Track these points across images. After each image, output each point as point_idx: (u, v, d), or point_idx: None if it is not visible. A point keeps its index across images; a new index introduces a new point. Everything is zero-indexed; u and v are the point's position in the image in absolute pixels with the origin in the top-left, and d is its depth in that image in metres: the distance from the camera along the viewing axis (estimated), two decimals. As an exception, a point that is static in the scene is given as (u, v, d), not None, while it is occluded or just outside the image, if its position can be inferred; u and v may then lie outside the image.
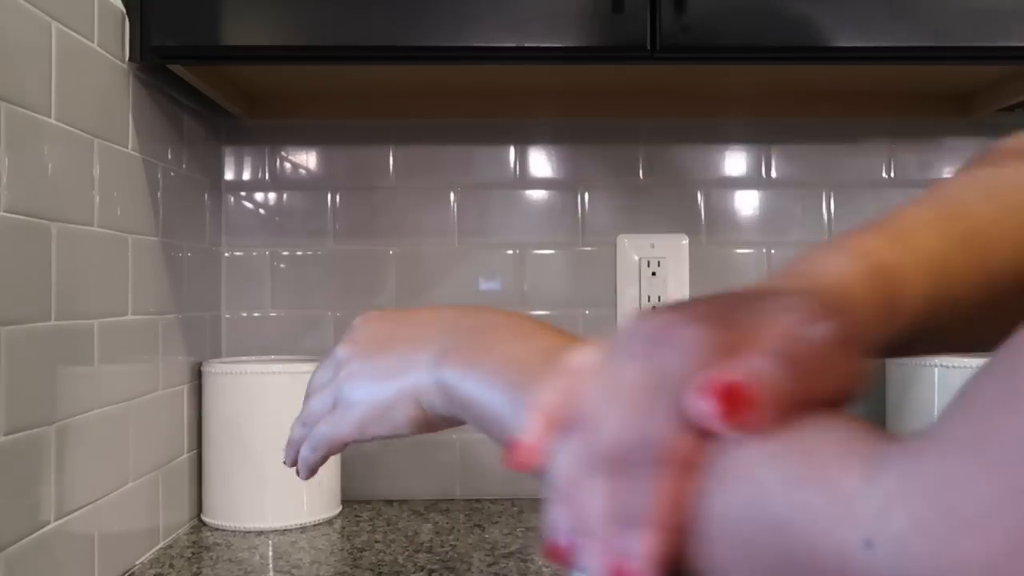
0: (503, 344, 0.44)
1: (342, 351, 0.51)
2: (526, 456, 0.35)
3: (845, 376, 0.31)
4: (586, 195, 1.27)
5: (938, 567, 0.24)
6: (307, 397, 0.54)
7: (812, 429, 0.29)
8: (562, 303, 1.26)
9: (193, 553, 1.00)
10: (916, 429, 0.27)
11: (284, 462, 0.55)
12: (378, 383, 0.48)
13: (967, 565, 0.23)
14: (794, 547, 0.27)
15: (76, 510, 0.80)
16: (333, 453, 0.52)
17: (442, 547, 1.01)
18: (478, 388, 0.43)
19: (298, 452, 0.53)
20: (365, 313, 0.53)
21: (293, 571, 0.94)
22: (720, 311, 0.32)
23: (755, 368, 0.29)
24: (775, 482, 0.28)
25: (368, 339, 0.51)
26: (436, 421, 0.48)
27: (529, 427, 0.35)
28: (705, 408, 0.29)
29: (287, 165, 1.27)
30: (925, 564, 0.24)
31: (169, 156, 1.04)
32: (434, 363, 0.46)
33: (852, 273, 0.36)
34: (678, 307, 0.33)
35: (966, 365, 1.10)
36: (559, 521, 0.33)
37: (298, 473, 0.54)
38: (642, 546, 0.30)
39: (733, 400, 0.28)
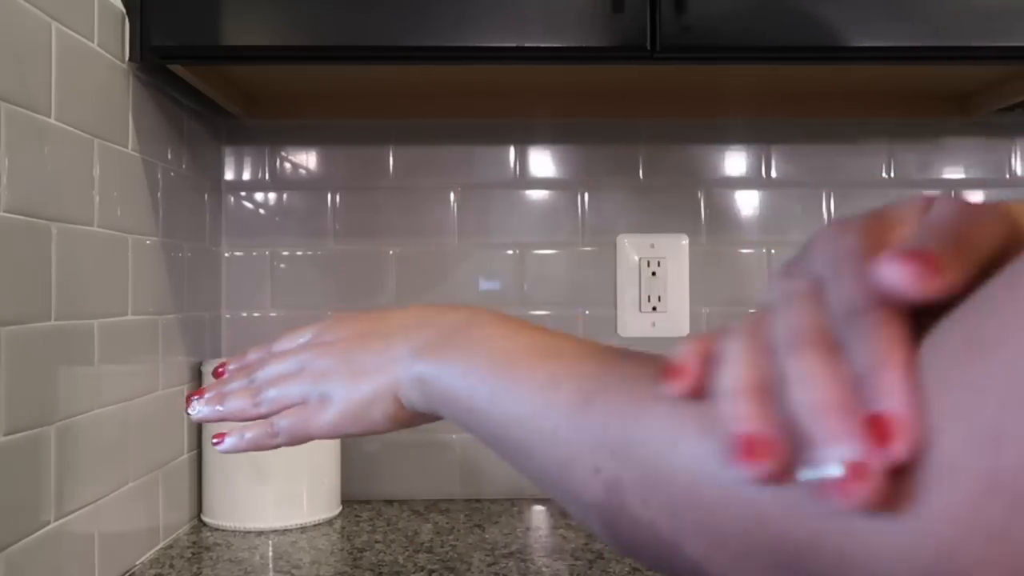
0: (487, 340, 0.43)
1: (314, 343, 0.50)
2: (686, 374, 0.32)
3: (999, 237, 0.28)
4: (586, 195, 1.27)
5: (908, 528, 0.23)
6: (266, 360, 0.52)
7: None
8: (562, 303, 1.26)
9: (193, 553, 1.00)
10: None
11: (196, 413, 0.52)
12: (355, 381, 0.48)
13: (931, 521, 0.23)
14: (774, 523, 0.27)
15: (76, 510, 0.80)
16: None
17: (442, 547, 1.01)
18: (462, 382, 0.42)
19: (230, 418, 0.51)
20: (337, 314, 0.53)
21: (293, 571, 0.94)
22: (866, 218, 0.31)
23: (927, 237, 0.28)
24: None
25: (344, 336, 0.50)
26: (412, 417, 0.48)
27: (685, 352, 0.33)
28: (898, 274, 0.26)
29: (287, 165, 1.27)
30: (896, 527, 0.24)
31: (169, 156, 1.04)
32: (413, 358, 0.45)
33: None
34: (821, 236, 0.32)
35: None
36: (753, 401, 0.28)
37: (215, 441, 0.52)
38: (895, 399, 0.24)
39: (924, 262, 0.26)
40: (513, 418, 0.39)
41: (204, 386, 0.54)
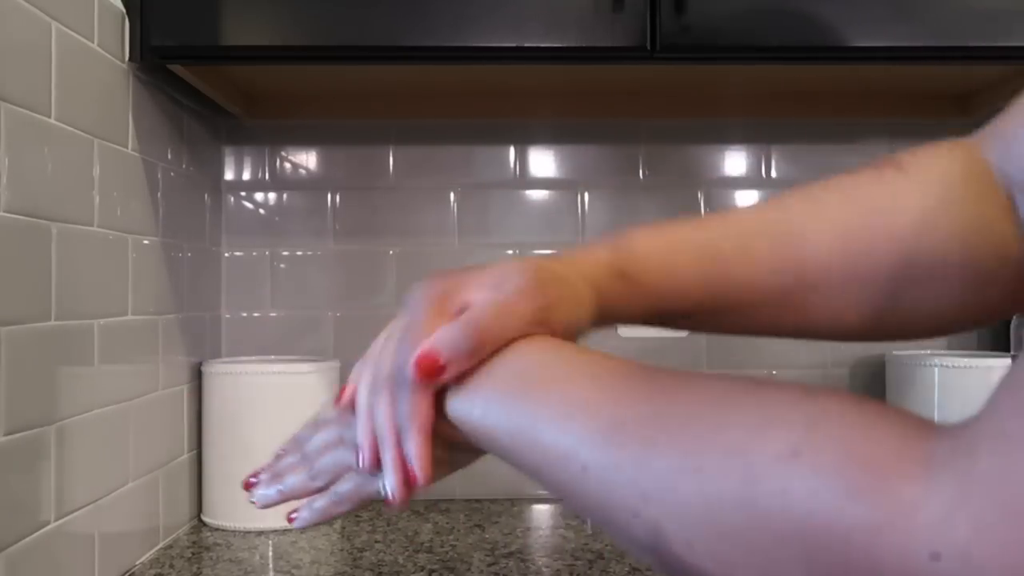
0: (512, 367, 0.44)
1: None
2: (345, 396, 0.49)
3: (531, 324, 0.43)
4: (586, 195, 1.27)
5: (1003, 569, 0.23)
6: (308, 436, 0.53)
7: (864, 428, 0.28)
8: (562, 303, 1.26)
9: (193, 553, 1.00)
10: (965, 417, 0.27)
11: (262, 499, 0.53)
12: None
13: None
14: (853, 562, 0.26)
15: (76, 510, 0.80)
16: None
17: (442, 547, 1.01)
18: (484, 420, 0.42)
19: (297, 498, 0.52)
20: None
21: (293, 571, 0.94)
22: (448, 276, 0.48)
23: (444, 337, 0.42)
24: (834, 493, 0.27)
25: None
26: (466, 456, 0.47)
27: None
28: (415, 369, 0.42)
29: (287, 165, 1.27)
30: (990, 569, 0.24)
31: (169, 156, 1.04)
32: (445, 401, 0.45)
33: (599, 257, 0.49)
34: (434, 274, 0.48)
35: (966, 365, 1.10)
36: (361, 433, 0.46)
37: (289, 520, 0.53)
38: (415, 449, 0.44)
39: (428, 367, 0.42)
40: (540, 456, 0.38)
41: (259, 468, 0.55)
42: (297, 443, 0.54)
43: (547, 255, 0.49)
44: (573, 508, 0.39)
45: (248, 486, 0.54)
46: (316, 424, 0.54)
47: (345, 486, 0.51)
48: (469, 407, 0.42)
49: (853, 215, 0.48)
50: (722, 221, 0.52)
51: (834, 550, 0.27)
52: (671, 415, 0.34)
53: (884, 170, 0.49)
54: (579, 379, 0.39)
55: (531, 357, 0.42)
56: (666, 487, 0.31)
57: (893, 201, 0.48)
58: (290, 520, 0.53)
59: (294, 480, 0.53)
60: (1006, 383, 0.26)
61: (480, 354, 0.42)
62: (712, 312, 0.50)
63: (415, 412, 0.43)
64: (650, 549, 0.33)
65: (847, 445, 0.28)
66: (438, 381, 0.42)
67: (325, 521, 0.53)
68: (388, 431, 0.45)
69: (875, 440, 0.27)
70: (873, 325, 0.49)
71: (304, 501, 0.53)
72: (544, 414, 0.38)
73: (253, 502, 0.53)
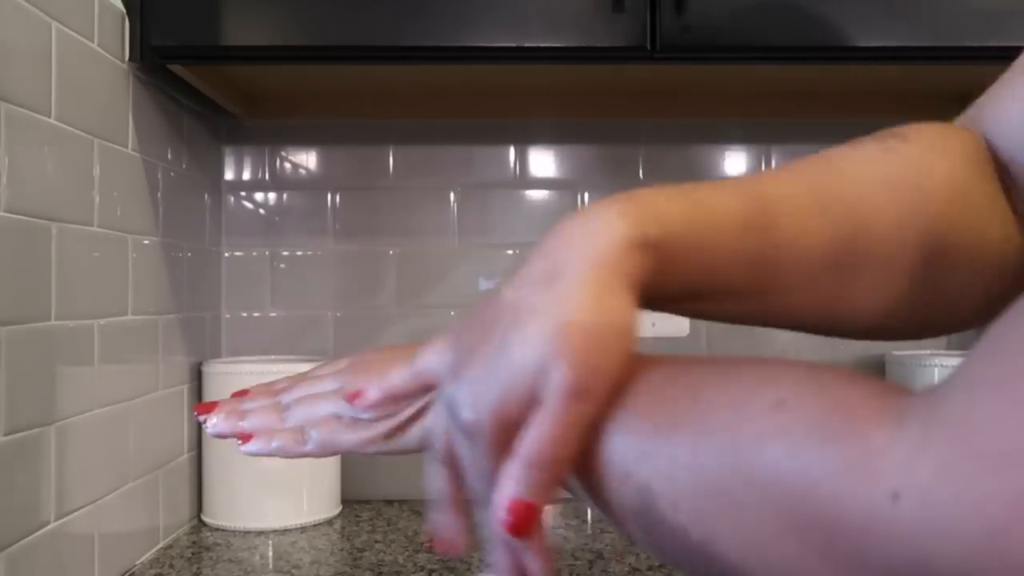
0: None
1: (350, 368, 0.49)
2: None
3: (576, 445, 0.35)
4: (586, 195, 1.27)
5: (962, 510, 0.24)
6: (296, 382, 0.51)
7: (850, 383, 0.29)
8: (562, 303, 1.26)
9: (193, 553, 1.00)
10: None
11: (213, 428, 0.50)
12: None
13: (989, 503, 0.23)
14: (819, 507, 0.27)
15: (76, 510, 0.80)
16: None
17: (442, 547, 1.01)
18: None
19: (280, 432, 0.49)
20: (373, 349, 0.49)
21: (293, 571, 0.94)
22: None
23: (533, 484, 0.35)
24: (811, 438, 0.27)
25: (385, 358, 0.49)
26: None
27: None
28: (504, 520, 0.36)
29: (287, 165, 1.27)
30: (950, 508, 0.24)
31: (169, 156, 1.04)
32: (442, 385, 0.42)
33: (623, 232, 0.38)
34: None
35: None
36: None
37: (240, 441, 0.49)
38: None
39: (526, 519, 0.36)
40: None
41: (216, 400, 0.52)
42: (271, 392, 0.52)
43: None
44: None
45: (201, 411, 0.51)
46: (307, 376, 0.52)
47: (316, 432, 0.48)
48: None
49: (894, 183, 0.44)
50: (754, 184, 0.44)
51: (806, 496, 0.27)
52: (676, 393, 0.34)
53: (889, 141, 0.46)
54: None
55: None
56: (660, 443, 0.32)
57: (921, 174, 0.44)
58: (240, 441, 0.50)
59: (259, 421, 0.50)
60: (983, 338, 0.27)
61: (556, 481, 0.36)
62: (758, 291, 0.42)
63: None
64: (640, 512, 0.33)
65: (831, 394, 0.28)
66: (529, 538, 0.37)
67: (276, 456, 0.49)
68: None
69: (856, 393, 0.28)
70: (910, 308, 0.45)
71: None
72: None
73: (204, 427, 0.50)
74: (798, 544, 0.28)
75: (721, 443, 0.30)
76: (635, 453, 0.33)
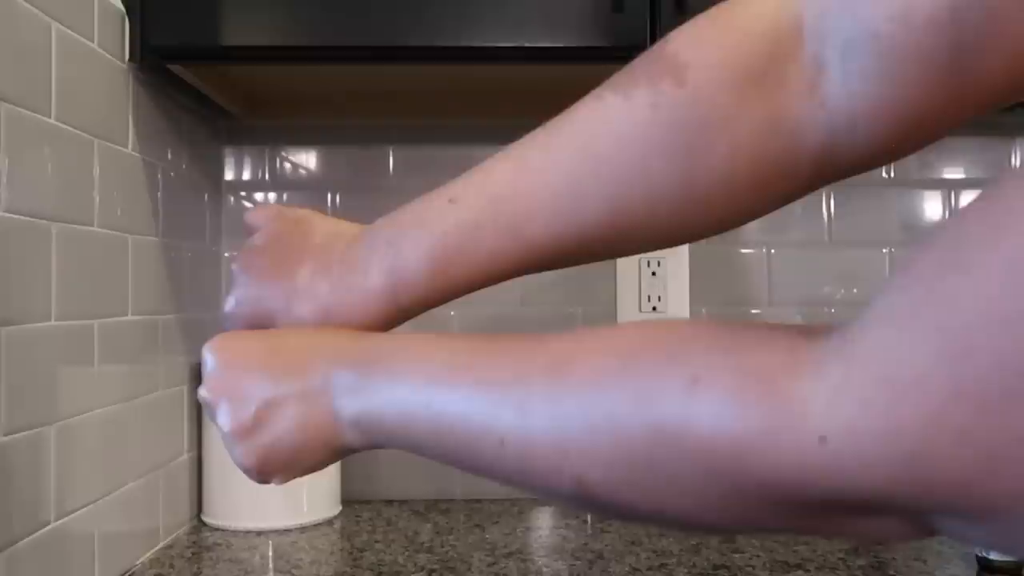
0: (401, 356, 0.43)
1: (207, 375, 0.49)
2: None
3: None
4: (586, 195, 1.27)
5: (882, 437, 0.25)
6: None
7: (757, 344, 0.30)
8: (562, 303, 1.26)
9: (193, 553, 1.00)
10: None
11: None
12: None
13: (904, 428, 0.25)
14: (752, 466, 0.28)
15: (76, 510, 0.80)
16: None
17: (442, 547, 1.01)
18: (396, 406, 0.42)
19: None
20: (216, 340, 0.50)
21: (293, 571, 0.94)
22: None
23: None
24: (731, 409, 0.29)
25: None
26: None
27: None
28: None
29: (287, 165, 1.27)
30: (873, 438, 0.25)
31: (169, 156, 1.04)
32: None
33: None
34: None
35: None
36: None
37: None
38: None
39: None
40: (453, 439, 0.39)
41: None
42: None
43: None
44: (491, 478, 0.38)
45: None
46: None
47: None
48: (377, 406, 0.42)
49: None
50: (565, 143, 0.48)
51: (738, 460, 0.29)
52: (577, 371, 0.34)
53: (662, 87, 0.44)
54: (455, 355, 0.40)
55: (395, 345, 0.43)
56: (582, 440, 0.33)
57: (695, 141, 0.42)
58: None
59: None
60: (898, 267, 0.28)
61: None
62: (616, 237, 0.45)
63: None
64: (574, 498, 0.35)
65: (741, 363, 0.29)
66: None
67: None
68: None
69: (766, 352, 0.29)
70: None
71: None
72: (445, 397, 0.39)
73: None
74: (744, 501, 0.30)
75: (645, 427, 0.31)
76: (557, 451, 0.34)
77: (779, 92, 0.41)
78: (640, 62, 0.47)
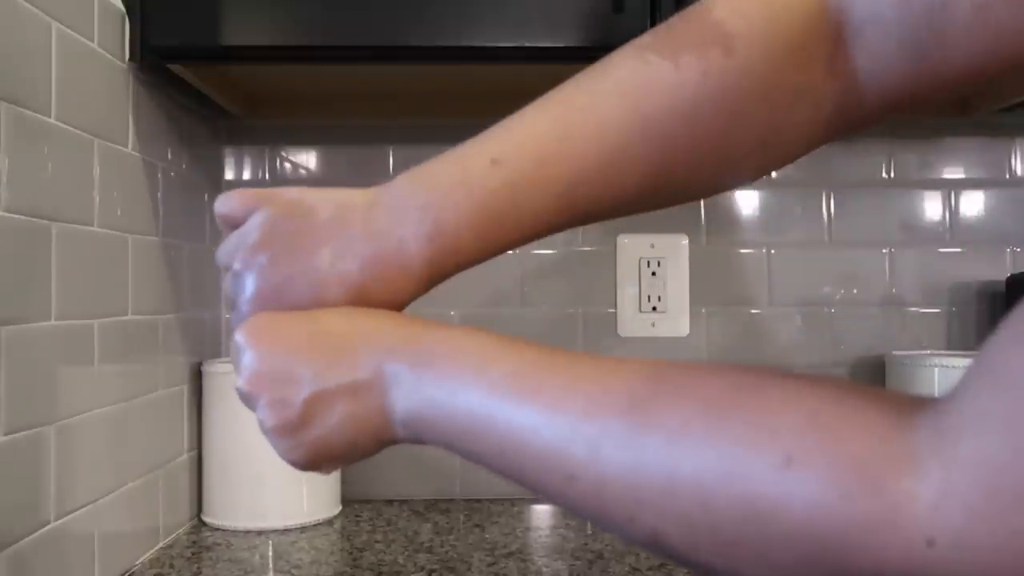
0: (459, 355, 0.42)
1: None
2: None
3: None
4: (586, 195, 1.27)
5: (996, 547, 0.25)
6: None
7: (850, 426, 0.29)
8: (562, 303, 1.26)
9: (193, 553, 1.00)
10: (945, 394, 0.29)
11: None
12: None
13: (1018, 539, 0.25)
14: (854, 558, 0.28)
15: (76, 510, 0.80)
16: None
17: (442, 547, 1.01)
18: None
19: None
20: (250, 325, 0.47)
21: (293, 571, 0.94)
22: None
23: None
24: (830, 497, 0.28)
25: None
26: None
27: None
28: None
29: (287, 165, 1.27)
30: (985, 548, 0.25)
31: (169, 156, 1.04)
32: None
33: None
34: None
35: (966, 365, 1.10)
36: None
37: None
38: None
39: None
40: (520, 460, 0.37)
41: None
42: None
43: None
44: (560, 506, 0.37)
45: None
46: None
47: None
48: (432, 409, 0.40)
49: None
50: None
51: (836, 550, 0.28)
52: (658, 422, 0.33)
53: (712, 54, 0.46)
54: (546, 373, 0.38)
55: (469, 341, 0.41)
56: (662, 496, 0.32)
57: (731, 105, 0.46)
58: None
59: None
60: (982, 363, 0.28)
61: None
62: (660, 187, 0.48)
63: None
64: (650, 546, 0.34)
65: (836, 447, 0.29)
66: None
67: None
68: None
69: (859, 439, 0.29)
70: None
71: None
72: (509, 416, 0.37)
73: None
74: None
75: (734, 500, 0.30)
76: (631, 500, 0.33)
77: (810, 65, 0.45)
78: (682, 26, 0.48)
